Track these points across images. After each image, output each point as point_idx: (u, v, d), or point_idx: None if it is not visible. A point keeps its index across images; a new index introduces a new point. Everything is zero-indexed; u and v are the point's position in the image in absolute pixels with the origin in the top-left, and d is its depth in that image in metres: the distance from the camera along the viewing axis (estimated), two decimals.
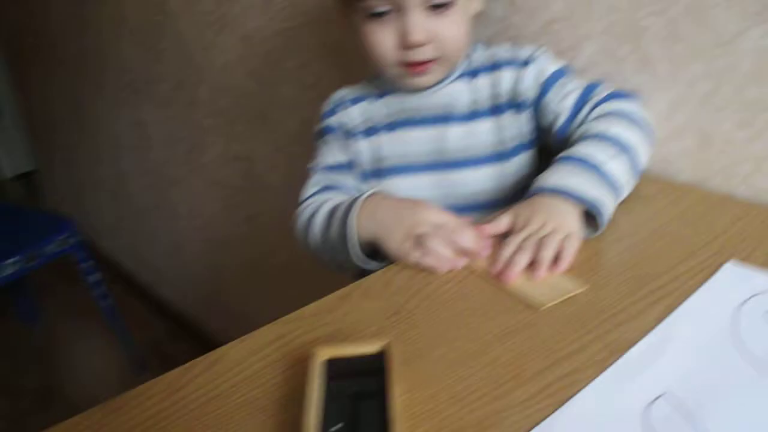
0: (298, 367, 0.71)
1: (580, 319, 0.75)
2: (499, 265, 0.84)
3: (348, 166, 1.13)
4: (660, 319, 0.73)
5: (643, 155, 0.98)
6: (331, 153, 1.14)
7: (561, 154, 0.96)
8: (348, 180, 1.12)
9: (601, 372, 0.66)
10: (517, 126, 1.08)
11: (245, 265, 2.45)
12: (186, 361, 0.75)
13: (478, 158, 1.09)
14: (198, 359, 0.75)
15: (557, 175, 0.92)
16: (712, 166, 1.04)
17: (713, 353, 0.67)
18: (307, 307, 0.83)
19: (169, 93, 2.40)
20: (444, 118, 1.10)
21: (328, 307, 0.83)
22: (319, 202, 1.06)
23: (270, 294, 2.35)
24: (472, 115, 1.09)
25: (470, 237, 0.89)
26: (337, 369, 0.68)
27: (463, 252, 0.88)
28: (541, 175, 0.95)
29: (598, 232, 0.89)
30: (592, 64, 1.13)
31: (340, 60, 1.63)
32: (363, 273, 0.95)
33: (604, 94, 1.03)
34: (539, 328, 0.74)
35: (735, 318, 0.72)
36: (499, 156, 1.08)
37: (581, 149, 0.94)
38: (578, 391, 0.64)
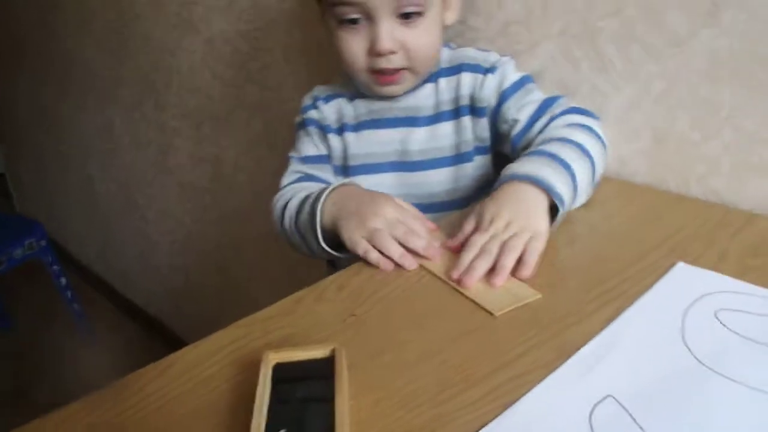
0: (249, 372, 0.70)
1: (530, 321, 0.75)
2: (459, 270, 0.83)
3: (324, 159, 1.16)
4: (610, 321, 0.73)
5: (600, 169, 0.98)
6: (310, 145, 1.17)
7: (529, 150, 0.96)
8: (324, 172, 1.15)
9: (549, 374, 0.66)
10: (476, 130, 1.08)
11: (214, 268, 2.44)
12: None
13: (438, 160, 1.10)
14: (149, 366, 0.75)
15: (530, 165, 0.91)
16: (667, 166, 1.04)
17: (662, 354, 0.68)
18: (261, 311, 0.83)
19: (136, 96, 2.38)
20: (409, 120, 1.11)
21: (283, 311, 0.83)
22: (295, 190, 1.09)
23: (239, 295, 2.34)
24: (436, 118, 1.10)
25: (422, 241, 0.89)
26: (286, 373, 0.68)
27: (413, 253, 0.89)
28: (510, 165, 0.94)
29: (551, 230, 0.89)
30: (549, 65, 1.13)
31: (303, 61, 1.63)
32: (335, 261, 0.96)
33: (564, 107, 1.03)
34: (489, 330, 0.74)
35: (684, 318, 0.72)
36: (459, 158, 1.09)
37: (550, 147, 0.94)
38: (526, 393, 0.64)
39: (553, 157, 0.92)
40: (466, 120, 1.08)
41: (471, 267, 0.83)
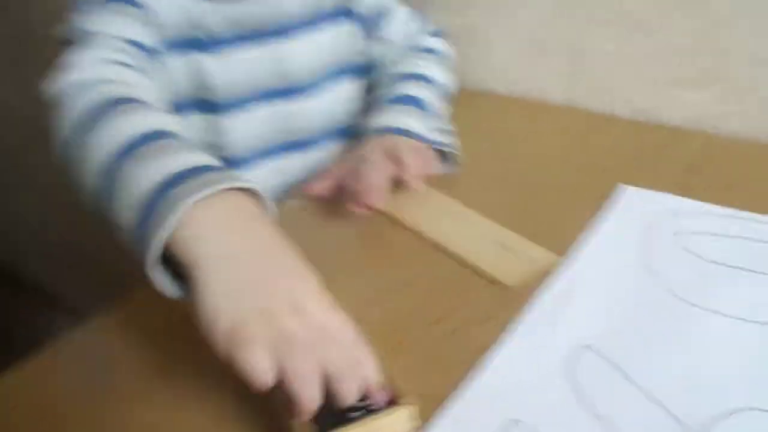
0: None
1: (456, 272, 0.66)
2: (359, 196, 0.72)
3: (151, 53, 0.77)
4: (546, 259, 0.66)
5: (450, 90, 0.96)
6: (130, 25, 0.75)
7: (389, 95, 0.89)
8: (156, 72, 0.77)
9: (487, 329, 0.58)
10: (353, 37, 0.95)
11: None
12: None
13: (322, 79, 0.92)
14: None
15: (390, 116, 0.84)
16: (588, 84, 1.00)
17: (627, 288, 0.61)
18: None
19: None
20: (280, 29, 0.87)
21: None
22: (118, 95, 0.64)
23: None
24: (312, 24, 0.90)
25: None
26: None
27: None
28: (373, 117, 0.86)
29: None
30: None
31: None
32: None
33: (422, 27, 0.99)
34: (414, 289, 0.65)
35: (643, 246, 0.67)
36: (340, 75, 0.95)
37: (408, 89, 0.89)
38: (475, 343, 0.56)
39: (413, 101, 0.87)
40: (345, 25, 0.93)
41: (366, 185, 0.72)
